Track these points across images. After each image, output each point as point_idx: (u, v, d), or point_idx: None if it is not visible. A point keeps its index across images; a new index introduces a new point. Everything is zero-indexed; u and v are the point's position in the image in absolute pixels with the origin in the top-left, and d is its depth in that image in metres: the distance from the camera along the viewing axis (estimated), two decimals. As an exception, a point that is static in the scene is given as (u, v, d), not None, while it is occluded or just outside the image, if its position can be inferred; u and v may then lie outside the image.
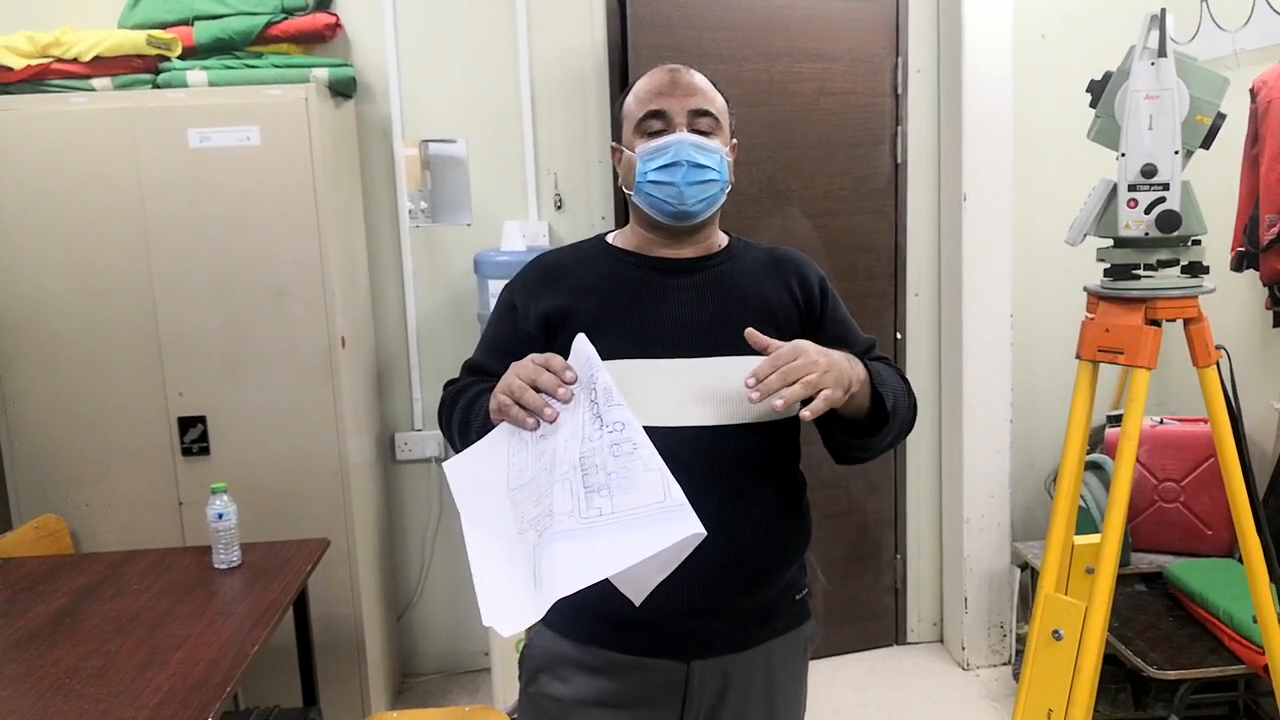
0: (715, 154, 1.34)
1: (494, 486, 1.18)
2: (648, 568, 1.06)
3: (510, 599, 1.09)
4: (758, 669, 1.38)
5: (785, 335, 1.33)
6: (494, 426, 1.24)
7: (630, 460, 1.09)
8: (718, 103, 1.38)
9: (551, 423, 1.16)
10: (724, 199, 1.38)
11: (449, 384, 1.46)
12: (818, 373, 1.16)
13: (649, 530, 1.04)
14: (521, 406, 1.18)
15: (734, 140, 1.42)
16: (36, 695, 1.61)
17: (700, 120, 1.34)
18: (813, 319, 1.41)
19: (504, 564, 1.12)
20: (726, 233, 1.47)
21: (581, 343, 1.19)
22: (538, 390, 1.18)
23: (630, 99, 1.40)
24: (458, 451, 1.33)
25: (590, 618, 1.34)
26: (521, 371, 1.20)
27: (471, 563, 1.14)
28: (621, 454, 1.10)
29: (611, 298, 1.35)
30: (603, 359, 1.18)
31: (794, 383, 1.14)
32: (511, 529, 1.15)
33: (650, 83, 1.37)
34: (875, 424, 1.30)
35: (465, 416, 1.34)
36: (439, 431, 1.55)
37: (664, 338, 1.30)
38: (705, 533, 1.04)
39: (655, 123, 1.34)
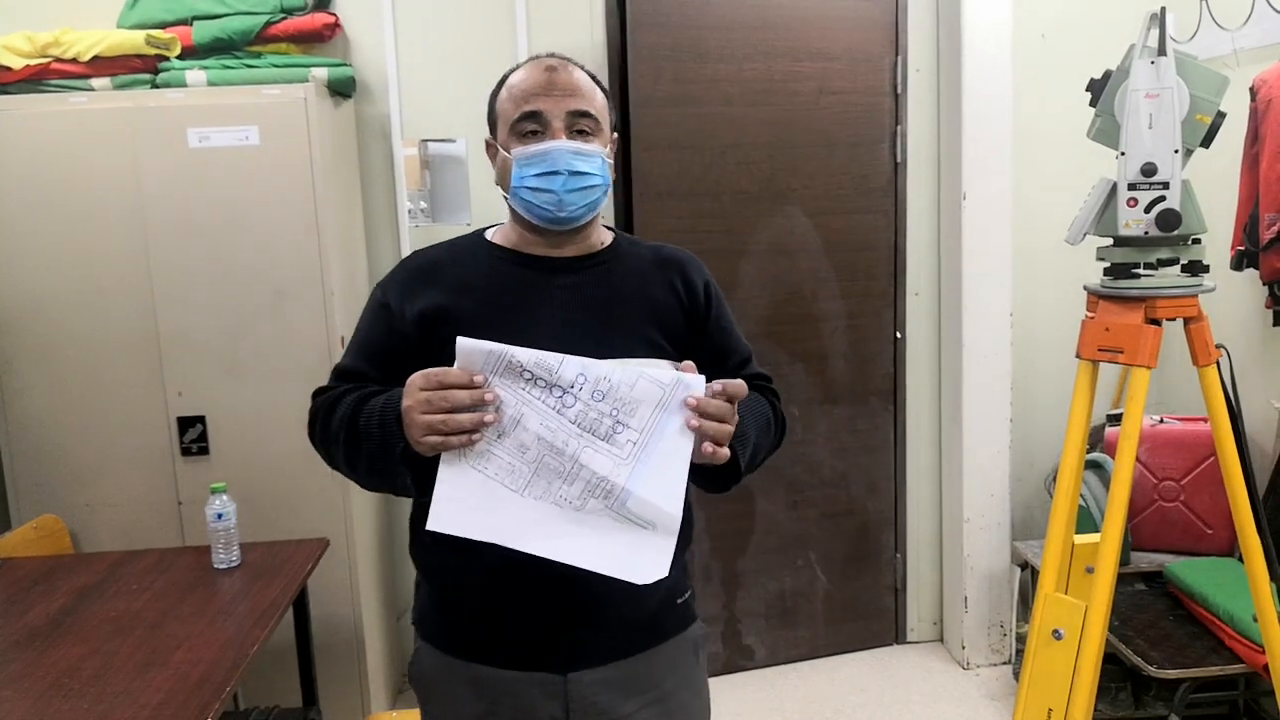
0: (595, 158, 1.28)
1: (499, 499, 1.15)
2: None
3: (641, 555, 1.16)
4: (643, 677, 1.34)
5: (671, 336, 1.33)
6: (395, 443, 1.17)
7: (616, 391, 1.14)
8: (597, 101, 1.31)
9: (493, 424, 1.13)
10: (606, 199, 1.32)
11: (318, 393, 1.33)
12: (730, 430, 1.19)
13: (676, 415, 1.14)
14: (458, 433, 1.12)
15: (614, 135, 1.36)
16: (36, 695, 1.61)
17: (580, 121, 1.28)
18: (697, 320, 1.36)
19: (603, 540, 1.16)
20: (611, 229, 1.42)
21: (466, 343, 1.14)
22: (460, 411, 1.12)
23: (504, 95, 1.31)
24: (335, 465, 1.29)
25: (467, 632, 1.31)
26: (430, 409, 1.12)
27: (575, 562, 1.15)
28: (604, 393, 1.14)
29: (494, 298, 1.29)
30: None
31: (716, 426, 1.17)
32: (570, 515, 1.15)
33: (527, 81, 1.28)
34: (723, 481, 1.30)
35: (351, 435, 1.23)
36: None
37: (549, 339, 1.22)
38: (695, 368, 1.16)
39: (531, 124, 1.27)
